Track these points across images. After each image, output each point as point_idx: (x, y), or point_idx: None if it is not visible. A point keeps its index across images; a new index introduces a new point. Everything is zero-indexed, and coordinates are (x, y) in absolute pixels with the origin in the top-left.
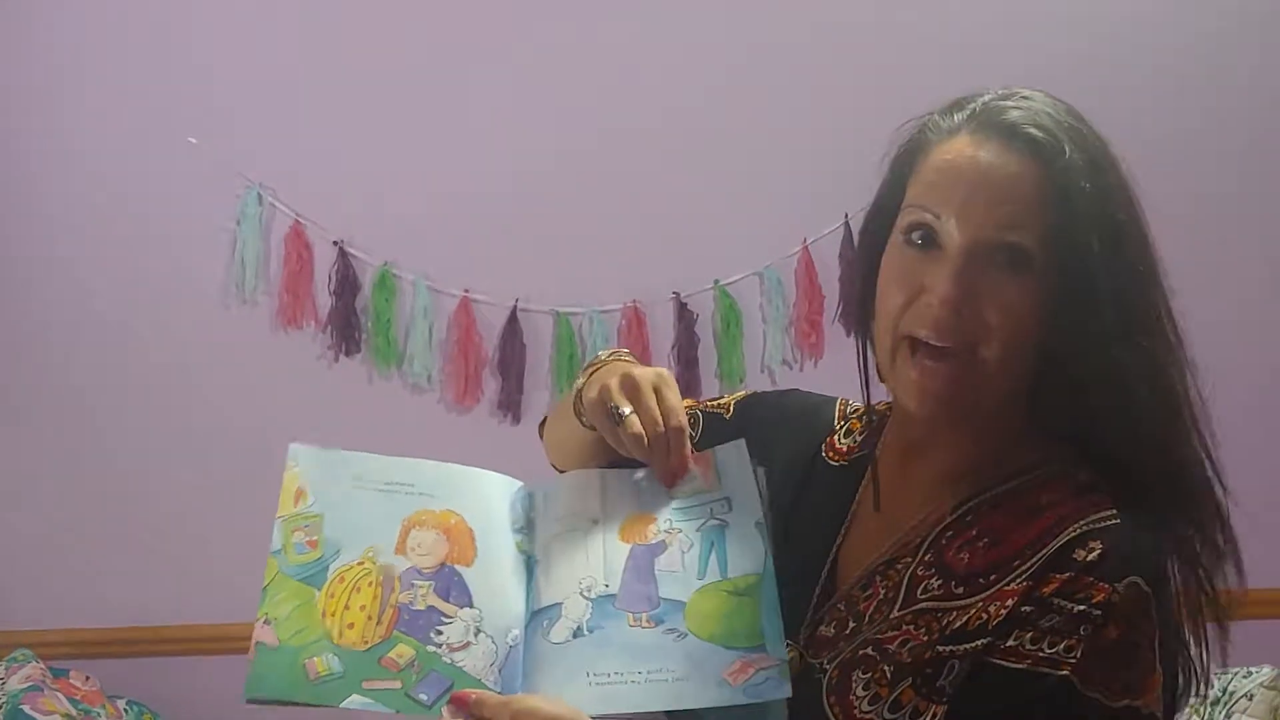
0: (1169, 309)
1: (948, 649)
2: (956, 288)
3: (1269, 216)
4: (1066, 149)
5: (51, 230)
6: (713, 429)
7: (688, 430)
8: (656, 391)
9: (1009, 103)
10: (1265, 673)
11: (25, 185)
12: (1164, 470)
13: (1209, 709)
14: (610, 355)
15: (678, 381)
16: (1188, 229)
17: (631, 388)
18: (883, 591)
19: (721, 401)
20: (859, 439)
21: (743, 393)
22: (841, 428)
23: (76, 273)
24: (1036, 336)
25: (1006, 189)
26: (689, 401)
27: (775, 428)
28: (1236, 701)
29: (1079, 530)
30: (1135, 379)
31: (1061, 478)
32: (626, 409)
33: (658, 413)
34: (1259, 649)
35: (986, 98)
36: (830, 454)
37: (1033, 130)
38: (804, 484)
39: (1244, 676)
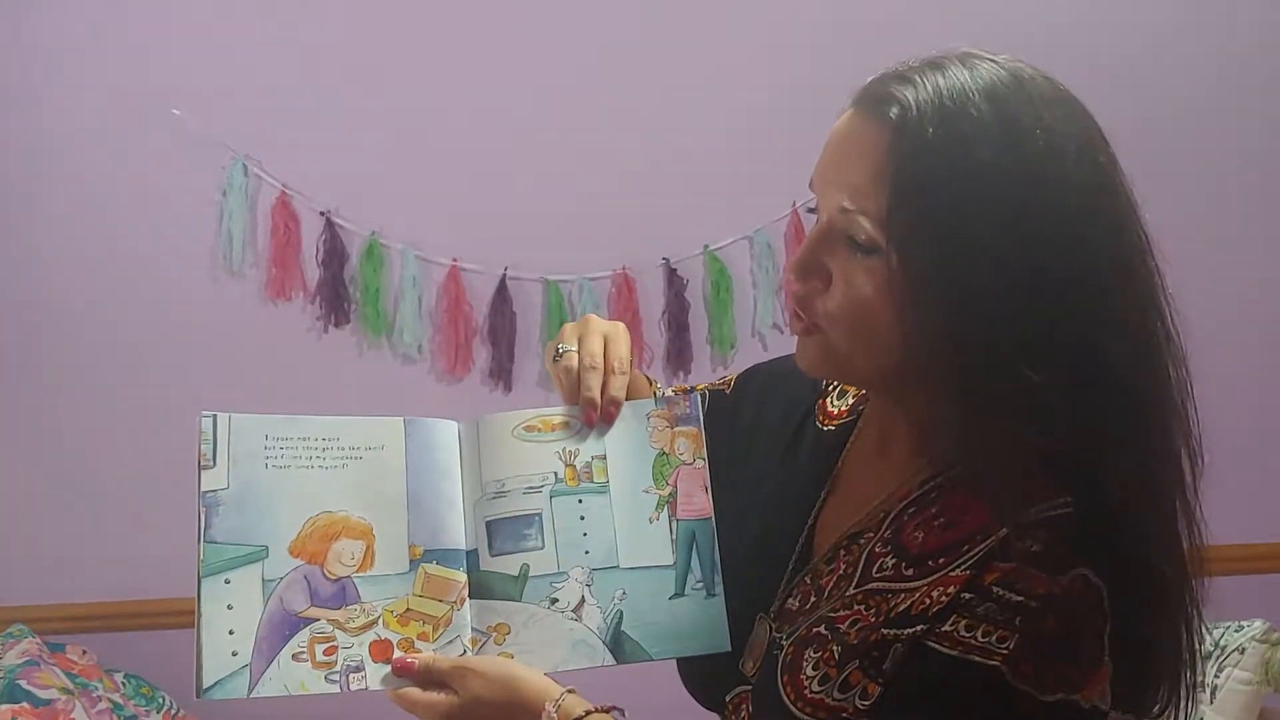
0: (1098, 308)
1: (892, 632)
2: (794, 264)
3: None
4: (928, 123)
5: (36, 206)
6: (716, 406)
7: (624, 377)
8: (606, 338)
9: (912, 72)
10: (1256, 626)
11: (8, 160)
12: (1076, 465)
13: (1200, 664)
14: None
15: (668, 348)
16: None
17: (581, 329)
18: (844, 567)
19: (725, 378)
20: (850, 403)
21: (746, 369)
22: (834, 389)
23: (64, 249)
24: (896, 321)
25: (854, 161)
26: (699, 385)
27: (766, 392)
28: (1228, 655)
29: (1028, 518)
30: (993, 383)
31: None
32: (569, 346)
33: (598, 352)
34: (1249, 603)
35: (901, 67)
36: (822, 418)
37: (899, 102)
38: (793, 447)
39: (1235, 630)
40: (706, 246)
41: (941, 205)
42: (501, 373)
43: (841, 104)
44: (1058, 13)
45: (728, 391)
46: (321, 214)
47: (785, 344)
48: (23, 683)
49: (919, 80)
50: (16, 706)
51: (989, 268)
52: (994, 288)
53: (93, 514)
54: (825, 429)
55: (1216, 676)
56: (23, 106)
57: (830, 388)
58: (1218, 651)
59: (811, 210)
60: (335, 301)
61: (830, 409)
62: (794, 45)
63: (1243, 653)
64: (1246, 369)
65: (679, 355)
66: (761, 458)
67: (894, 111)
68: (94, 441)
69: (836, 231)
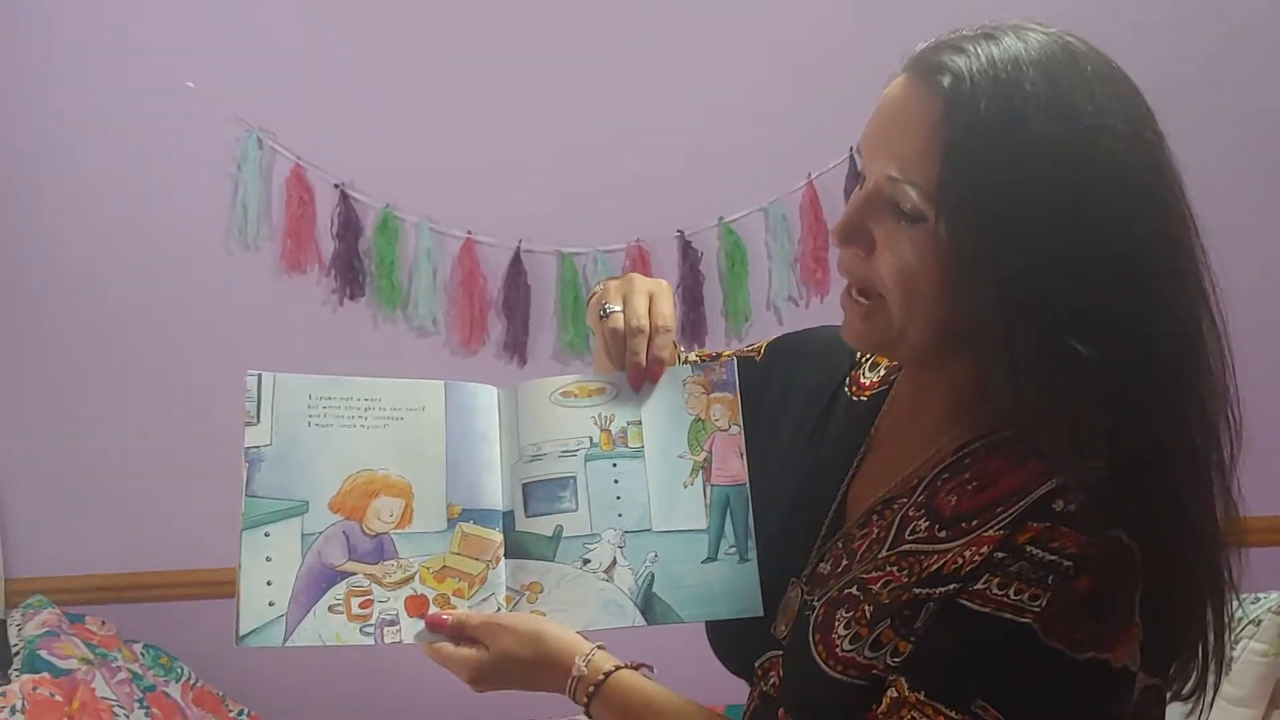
0: (1148, 289)
1: (924, 591)
2: (837, 228)
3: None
4: (981, 95)
5: (51, 180)
6: (746, 372)
7: (669, 335)
8: (651, 296)
9: (966, 40)
10: (1273, 598)
11: (23, 133)
12: (1126, 448)
13: (1227, 639)
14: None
15: (683, 321)
16: None
17: (626, 288)
18: (876, 530)
19: (755, 345)
20: (882, 374)
21: (776, 336)
22: (867, 361)
23: (79, 223)
24: (944, 290)
25: (905, 130)
26: (726, 352)
27: (798, 363)
28: (1244, 627)
29: (1062, 479)
30: (1040, 358)
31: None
32: (615, 306)
33: (644, 312)
34: (1267, 575)
35: (954, 35)
36: (853, 389)
37: (952, 71)
38: (824, 418)
39: (1252, 602)
40: (721, 219)
41: (992, 179)
42: (516, 345)
43: (847, 75)
44: None
45: (758, 359)
46: (336, 186)
47: (800, 316)
48: (43, 653)
49: (973, 50)
50: (37, 676)
51: (1039, 243)
52: (1043, 263)
53: (110, 485)
54: (857, 400)
55: (1232, 648)
56: (36, 81)
57: (863, 359)
58: (1234, 623)
59: (858, 172)
60: (350, 274)
61: (863, 380)
62: (809, 18)
63: (1259, 624)
64: (1270, 343)
65: (694, 328)
66: (793, 427)
67: (947, 81)
68: (111, 413)
69: (882, 198)
